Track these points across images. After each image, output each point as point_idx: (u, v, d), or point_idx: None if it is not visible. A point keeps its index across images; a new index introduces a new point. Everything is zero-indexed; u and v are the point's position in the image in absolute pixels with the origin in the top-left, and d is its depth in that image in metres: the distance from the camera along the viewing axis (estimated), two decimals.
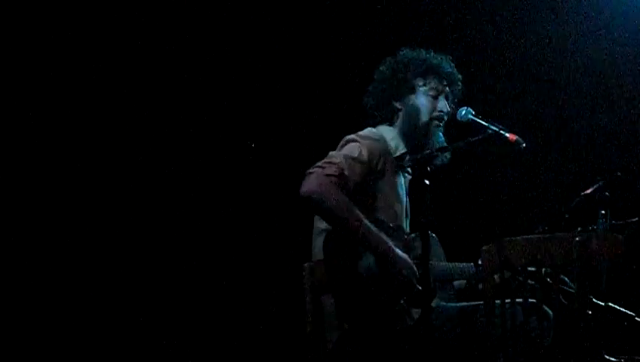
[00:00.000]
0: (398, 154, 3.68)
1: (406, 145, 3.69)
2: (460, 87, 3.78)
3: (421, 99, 3.71)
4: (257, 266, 5.18)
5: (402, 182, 3.71)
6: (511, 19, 5.37)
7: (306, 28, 5.29)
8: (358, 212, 3.39)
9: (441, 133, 3.70)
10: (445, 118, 3.71)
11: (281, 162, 5.14)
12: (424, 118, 3.69)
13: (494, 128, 3.43)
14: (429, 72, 3.72)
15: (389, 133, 3.70)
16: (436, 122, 3.69)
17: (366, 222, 3.39)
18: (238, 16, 5.24)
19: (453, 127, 3.75)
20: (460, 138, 3.50)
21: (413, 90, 3.72)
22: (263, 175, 5.23)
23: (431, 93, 3.71)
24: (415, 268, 3.36)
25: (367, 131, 3.67)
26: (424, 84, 3.72)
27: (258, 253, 5.20)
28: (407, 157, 3.69)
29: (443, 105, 3.71)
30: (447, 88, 3.74)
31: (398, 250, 3.41)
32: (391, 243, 3.41)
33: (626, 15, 5.23)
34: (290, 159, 4.90)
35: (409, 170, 3.74)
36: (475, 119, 3.52)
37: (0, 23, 4.88)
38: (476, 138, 3.42)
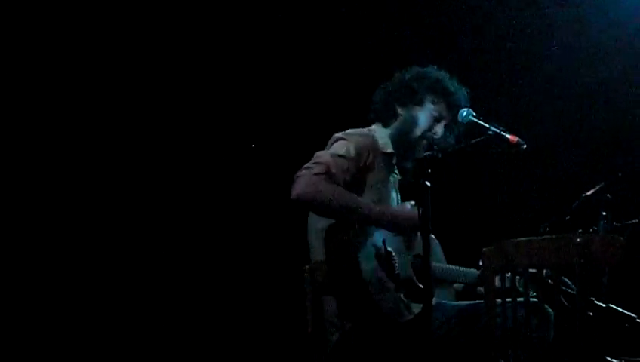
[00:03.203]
0: (387, 151, 3.69)
1: (393, 148, 3.71)
2: (462, 127, 3.75)
3: (423, 115, 3.72)
4: (258, 267, 5.19)
5: (391, 179, 3.73)
6: (512, 19, 5.37)
7: (305, 30, 5.29)
8: (351, 194, 3.43)
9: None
10: (435, 144, 3.70)
11: (281, 163, 5.13)
12: (417, 132, 3.70)
13: (495, 129, 3.43)
14: (442, 94, 3.73)
15: (380, 132, 3.73)
16: (425, 141, 3.70)
17: (361, 199, 3.45)
18: (237, 16, 5.24)
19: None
20: (460, 139, 3.50)
21: (420, 103, 3.73)
22: (263, 176, 5.23)
23: (435, 114, 3.73)
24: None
25: (356, 129, 3.69)
26: (432, 103, 3.73)
27: (259, 255, 5.20)
28: (400, 160, 3.71)
29: (440, 130, 3.72)
30: (451, 119, 3.74)
31: (397, 209, 3.52)
32: (391, 208, 3.51)
33: (627, 15, 5.23)
34: (290, 160, 4.90)
35: (396, 171, 3.75)
36: (476, 120, 3.52)
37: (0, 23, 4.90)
38: (477, 139, 3.42)
